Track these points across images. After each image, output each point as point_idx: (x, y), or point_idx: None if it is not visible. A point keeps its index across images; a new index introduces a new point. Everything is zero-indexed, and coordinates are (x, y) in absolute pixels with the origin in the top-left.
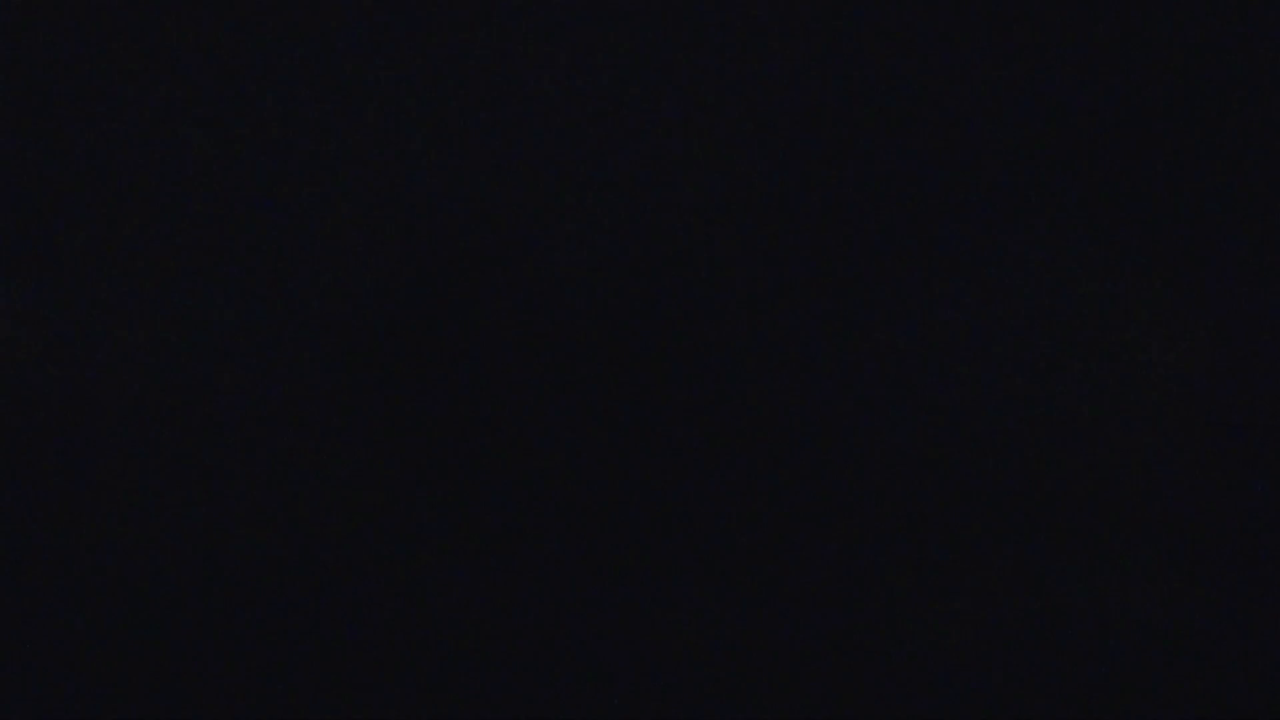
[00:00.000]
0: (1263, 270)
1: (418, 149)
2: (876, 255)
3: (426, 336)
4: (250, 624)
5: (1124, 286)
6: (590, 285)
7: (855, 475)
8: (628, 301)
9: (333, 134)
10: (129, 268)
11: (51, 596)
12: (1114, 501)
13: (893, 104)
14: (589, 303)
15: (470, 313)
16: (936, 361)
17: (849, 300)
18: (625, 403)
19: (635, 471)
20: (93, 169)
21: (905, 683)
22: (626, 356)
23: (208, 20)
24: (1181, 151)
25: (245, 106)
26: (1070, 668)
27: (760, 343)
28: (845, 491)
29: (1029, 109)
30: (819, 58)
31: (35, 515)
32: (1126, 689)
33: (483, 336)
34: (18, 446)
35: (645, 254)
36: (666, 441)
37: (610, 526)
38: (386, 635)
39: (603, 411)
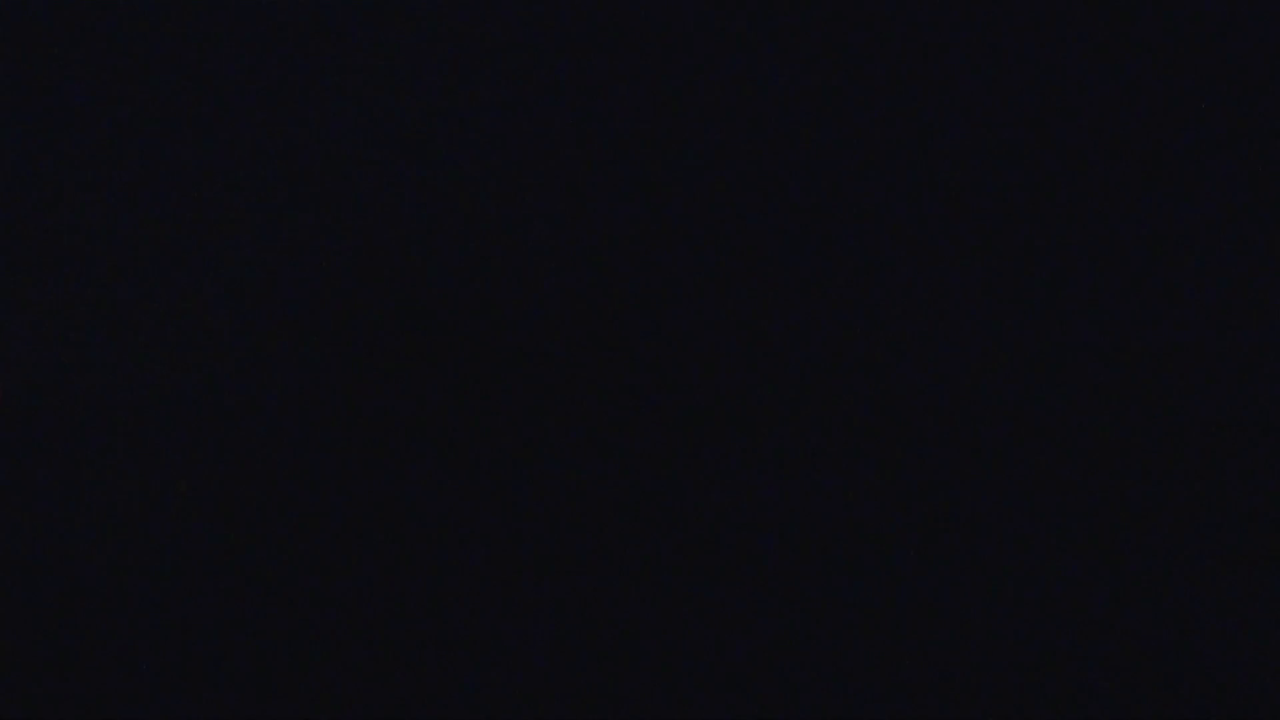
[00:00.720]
0: (1261, 270)
1: (398, 148)
2: (873, 255)
3: (417, 340)
4: (247, 619)
5: (1122, 285)
6: (581, 287)
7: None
8: (614, 298)
9: (320, 137)
10: (125, 267)
11: (49, 592)
12: (1112, 501)
13: (890, 104)
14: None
15: (459, 308)
16: (934, 361)
17: (845, 300)
18: (609, 403)
19: (625, 473)
20: (91, 169)
21: (904, 682)
22: (608, 354)
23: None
24: (1179, 152)
25: (235, 110)
26: (1070, 667)
27: (755, 343)
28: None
29: (1026, 108)
30: (814, 57)
31: (33, 512)
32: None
33: (471, 332)
34: (16, 445)
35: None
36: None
37: (598, 527)
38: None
39: (593, 415)
